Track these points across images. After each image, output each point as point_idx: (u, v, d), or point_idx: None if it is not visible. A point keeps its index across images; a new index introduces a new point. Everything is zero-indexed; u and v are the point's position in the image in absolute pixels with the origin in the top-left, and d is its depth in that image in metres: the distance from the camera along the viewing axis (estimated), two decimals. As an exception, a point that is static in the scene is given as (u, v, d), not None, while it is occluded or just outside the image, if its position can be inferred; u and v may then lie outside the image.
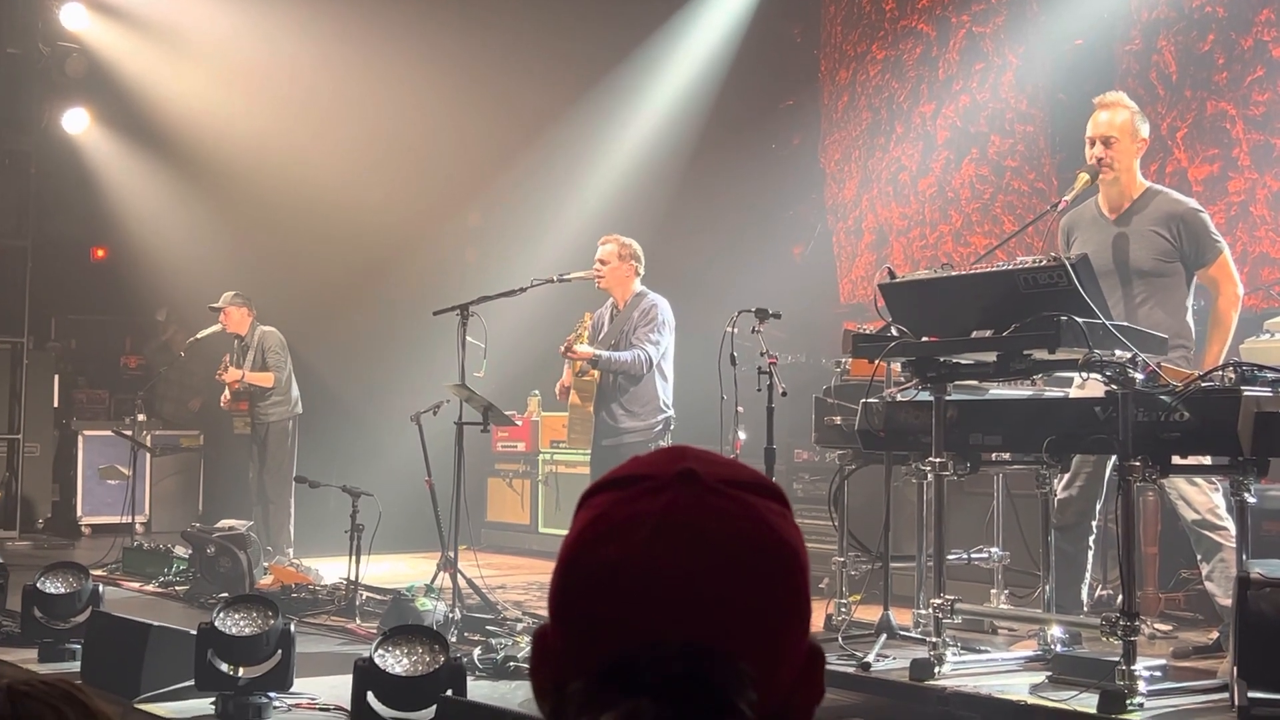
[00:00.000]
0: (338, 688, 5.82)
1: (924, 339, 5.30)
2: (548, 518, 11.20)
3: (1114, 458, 5.26)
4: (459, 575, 7.49)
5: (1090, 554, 5.87)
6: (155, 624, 6.05)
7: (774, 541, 1.10)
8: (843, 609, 6.24)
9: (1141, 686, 4.65)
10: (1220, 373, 4.69)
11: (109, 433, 12.51)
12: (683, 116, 11.99)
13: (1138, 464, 4.70)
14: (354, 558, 8.00)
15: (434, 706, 4.79)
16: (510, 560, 10.77)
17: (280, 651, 5.60)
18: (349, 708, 5.29)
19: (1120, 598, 4.84)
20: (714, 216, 12.05)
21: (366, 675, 4.92)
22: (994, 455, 5.68)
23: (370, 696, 4.94)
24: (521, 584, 9.35)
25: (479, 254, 12.92)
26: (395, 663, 4.92)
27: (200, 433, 13.33)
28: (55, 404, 13.26)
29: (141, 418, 11.48)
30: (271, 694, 5.61)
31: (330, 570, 9.01)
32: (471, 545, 8.20)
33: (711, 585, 1.06)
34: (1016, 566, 6.34)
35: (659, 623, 1.06)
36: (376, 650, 4.96)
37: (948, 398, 5.31)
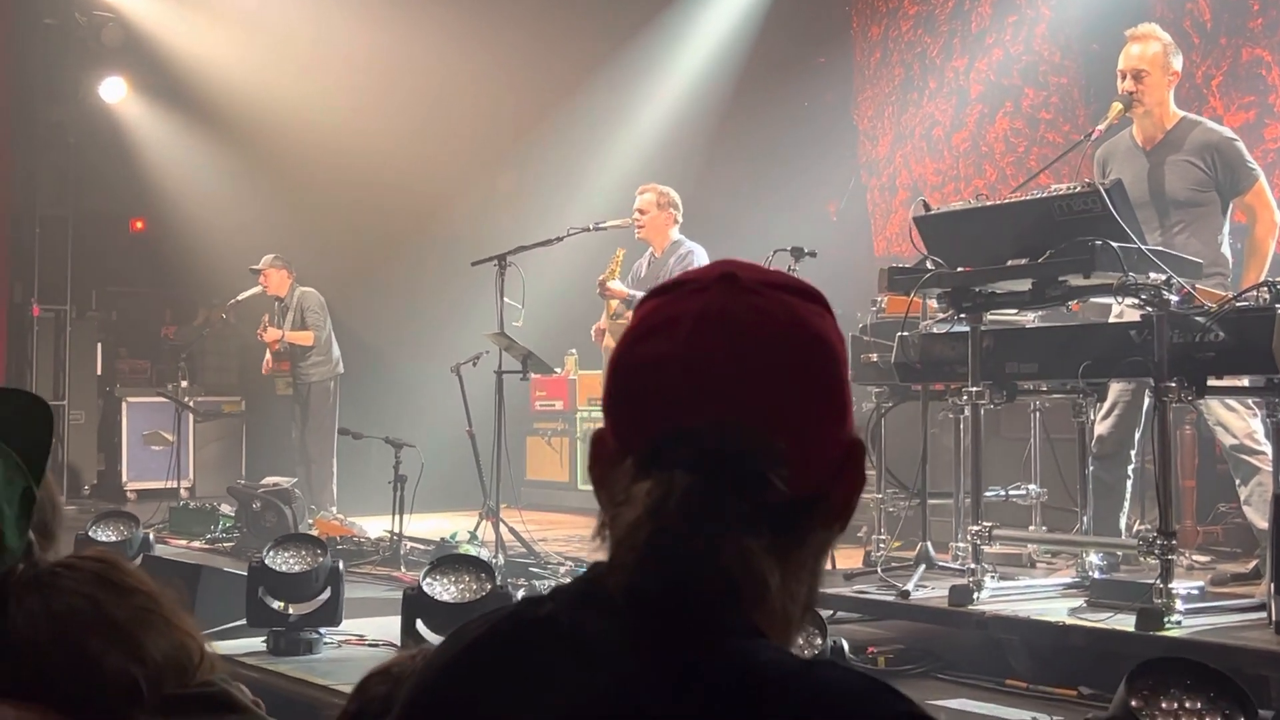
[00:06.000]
0: (384, 626, 5.93)
1: (959, 270, 5.33)
2: (587, 475, 11.21)
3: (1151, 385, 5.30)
4: (501, 524, 7.58)
5: (1129, 484, 5.88)
6: (206, 565, 6.18)
7: (809, 335, 1.18)
8: (881, 545, 6.29)
9: (1179, 605, 4.68)
10: (1255, 292, 4.72)
11: (153, 399, 12.66)
12: (715, 75, 12.00)
13: (1173, 385, 4.73)
14: (397, 508, 8.10)
15: (482, 632, 4.87)
16: (550, 517, 10.83)
17: (329, 589, 5.71)
18: (397, 643, 5.39)
19: (1158, 522, 4.86)
20: (748, 174, 12.06)
21: (415, 603, 5.02)
22: (1030, 385, 5.70)
23: (419, 624, 5.03)
24: (562, 537, 9.41)
25: (514, 214, 12.97)
26: (443, 590, 5.02)
27: (241, 398, 13.46)
28: (99, 372, 13.42)
29: (184, 384, 11.61)
30: (321, 630, 5.72)
31: (373, 527, 9.11)
32: (512, 503, 8.29)
33: (746, 372, 1.14)
34: (1054, 504, 6.38)
35: (696, 406, 1.13)
36: (425, 579, 5.06)
37: (983, 327, 5.35)
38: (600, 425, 1.24)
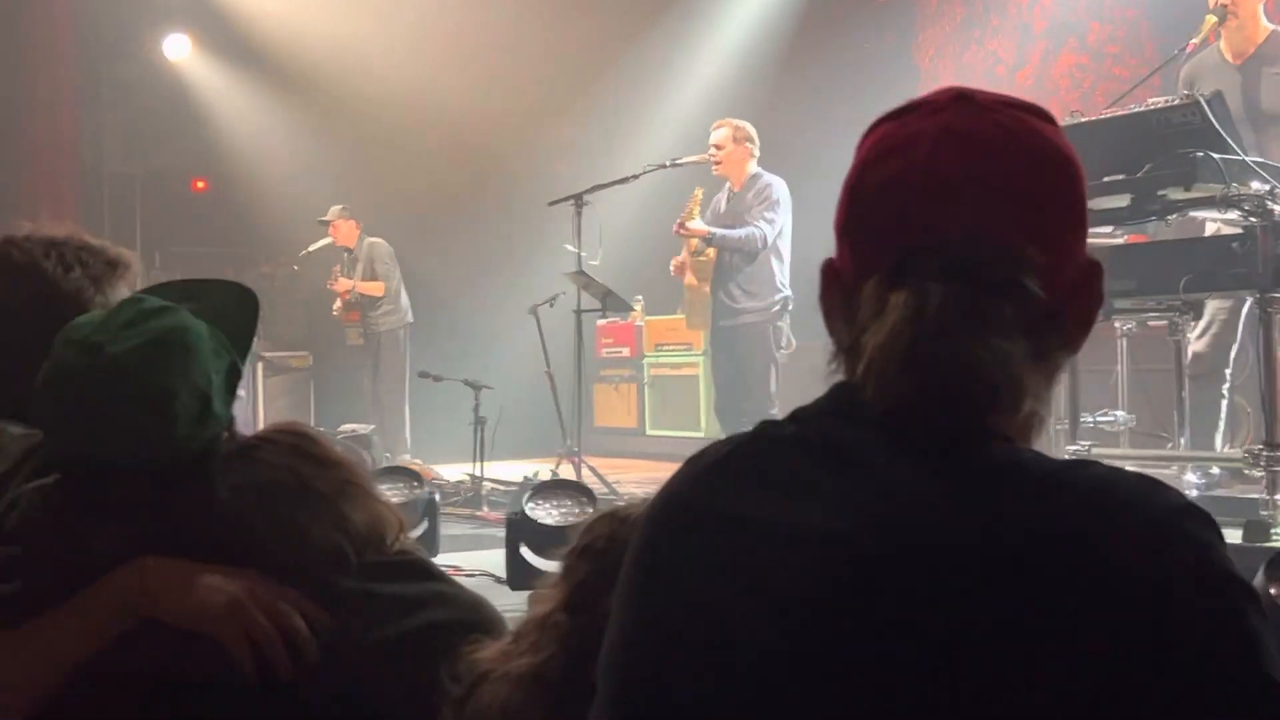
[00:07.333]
0: (478, 559, 5.98)
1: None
2: (655, 420, 11.28)
3: (1247, 304, 5.27)
4: (582, 465, 7.62)
5: (1224, 404, 5.85)
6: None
7: (1051, 149, 1.18)
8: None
9: (1287, 516, 4.66)
10: (1361, 201, 4.67)
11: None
12: (775, 19, 11.93)
13: (1278, 296, 4.69)
14: (478, 450, 8.15)
15: (587, 554, 4.92)
16: (620, 462, 10.85)
17: (426, 520, 5.77)
18: (493, 574, 5.44)
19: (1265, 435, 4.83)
20: (809, 121, 11.99)
21: (519, 527, 5.05)
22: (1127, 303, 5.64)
23: (523, 548, 5.07)
24: (635, 479, 9.43)
25: (582, 158, 12.93)
26: (545, 514, 5.06)
27: (308, 353, 13.53)
28: (167, 329, 13.47)
29: (258, 339, 11.69)
30: (419, 561, 5.77)
31: (448, 473, 9.16)
32: (585, 448, 8.32)
33: (992, 185, 1.14)
34: (1142, 430, 6.34)
35: (944, 218, 1.13)
36: (527, 503, 5.10)
37: (1079, 246, 5.30)
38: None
